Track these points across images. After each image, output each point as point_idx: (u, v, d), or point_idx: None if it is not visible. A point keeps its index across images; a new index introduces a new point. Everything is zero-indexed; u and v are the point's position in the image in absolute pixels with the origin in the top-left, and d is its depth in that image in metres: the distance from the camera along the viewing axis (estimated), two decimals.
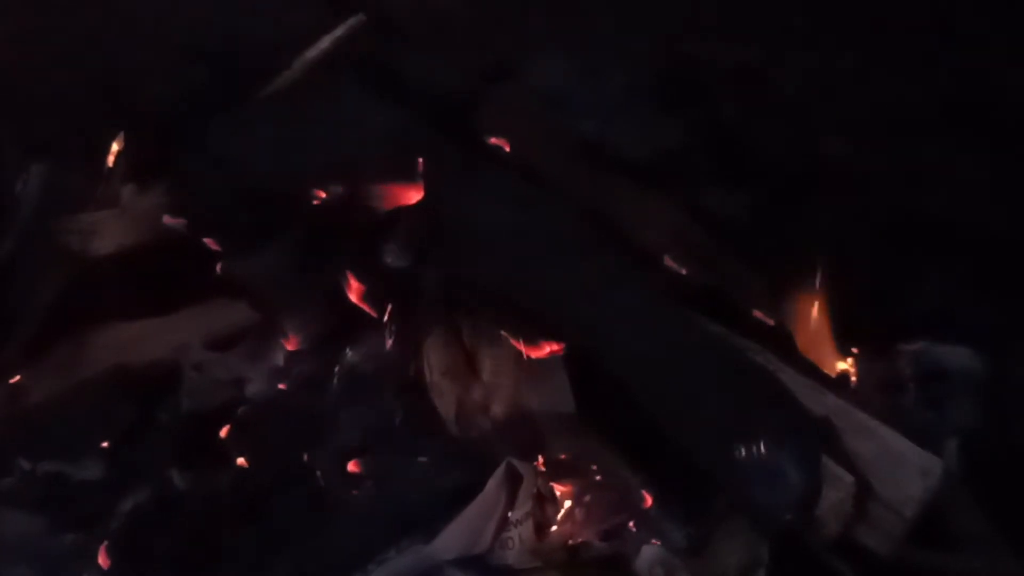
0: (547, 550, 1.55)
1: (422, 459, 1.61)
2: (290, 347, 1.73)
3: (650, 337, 1.67)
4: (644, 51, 2.14)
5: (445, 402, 1.66)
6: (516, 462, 1.55)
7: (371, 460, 1.62)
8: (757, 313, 1.81)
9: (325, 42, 1.97)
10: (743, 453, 1.56)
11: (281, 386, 1.71)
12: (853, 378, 1.83)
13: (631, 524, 1.56)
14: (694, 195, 1.97)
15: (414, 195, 1.77)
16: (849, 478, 1.55)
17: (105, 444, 1.69)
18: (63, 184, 1.95)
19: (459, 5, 2.14)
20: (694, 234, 1.90)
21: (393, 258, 1.70)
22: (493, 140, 1.92)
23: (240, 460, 1.65)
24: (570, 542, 1.56)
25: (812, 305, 1.82)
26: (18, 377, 1.77)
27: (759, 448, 1.56)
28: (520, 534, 1.53)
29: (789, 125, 2.10)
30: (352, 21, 2.00)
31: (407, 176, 1.77)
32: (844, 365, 1.83)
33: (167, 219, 1.84)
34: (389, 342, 1.70)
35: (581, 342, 1.66)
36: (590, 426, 1.64)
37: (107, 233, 1.86)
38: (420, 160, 1.77)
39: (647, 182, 1.94)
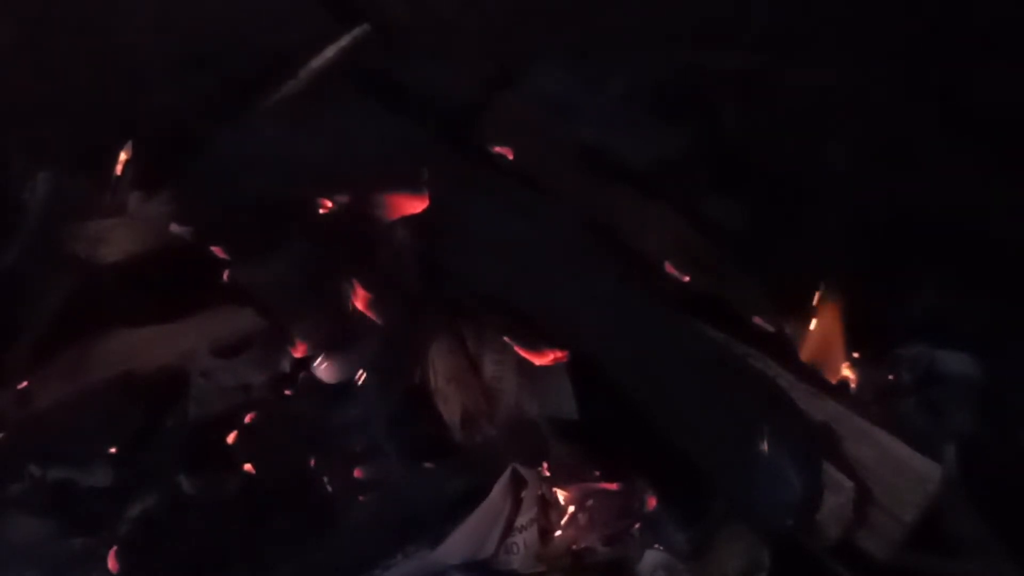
0: (551, 555, 1.56)
1: (427, 465, 1.63)
2: (297, 354, 1.74)
3: (652, 344, 1.69)
4: (646, 59, 2.14)
5: (450, 408, 1.67)
6: (520, 468, 1.56)
7: (377, 466, 1.63)
8: (757, 320, 1.83)
9: (330, 52, 1.98)
10: (744, 458, 1.57)
11: (288, 392, 1.72)
12: (852, 384, 1.84)
13: (634, 529, 1.58)
14: (695, 202, 1.98)
15: (419, 204, 1.78)
16: (849, 483, 1.56)
17: (113, 450, 1.69)
18: (70, 191, 1.96)
19: (462, 15, 2.15)
20: (695, 241, 1.91)
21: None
22: (496, 148, 1.93)
23: (247, 466, 1.66)
24: (574, 547, 1.57)
25: (824, 312, 1.84)
26: (26, 383, 1.78)
27: (760, 453, 1.57)
28: (525, 539, 1.54)
29: (789, 132, 2.10)
30: (356, 31, 2.01)
31: (412, 185, 1.78)
32: (844, 370, 1.84)
33: (174, 227, 1.85)
34: (394, 349, 1.71)
35: (584, 349, 1.67)
36: (593, 432, 1.66)
37: (114, 240, 1.87)
38: (424, 169, 1.78)
39: (648, 189, 1.94)
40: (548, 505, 1.58)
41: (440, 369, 1.70)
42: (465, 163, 1.87)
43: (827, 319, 1.83)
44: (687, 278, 1.85)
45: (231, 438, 1.69)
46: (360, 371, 1.70)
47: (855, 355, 1.84)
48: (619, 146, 2.00)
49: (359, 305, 1.73)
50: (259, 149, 1.88)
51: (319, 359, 1.71)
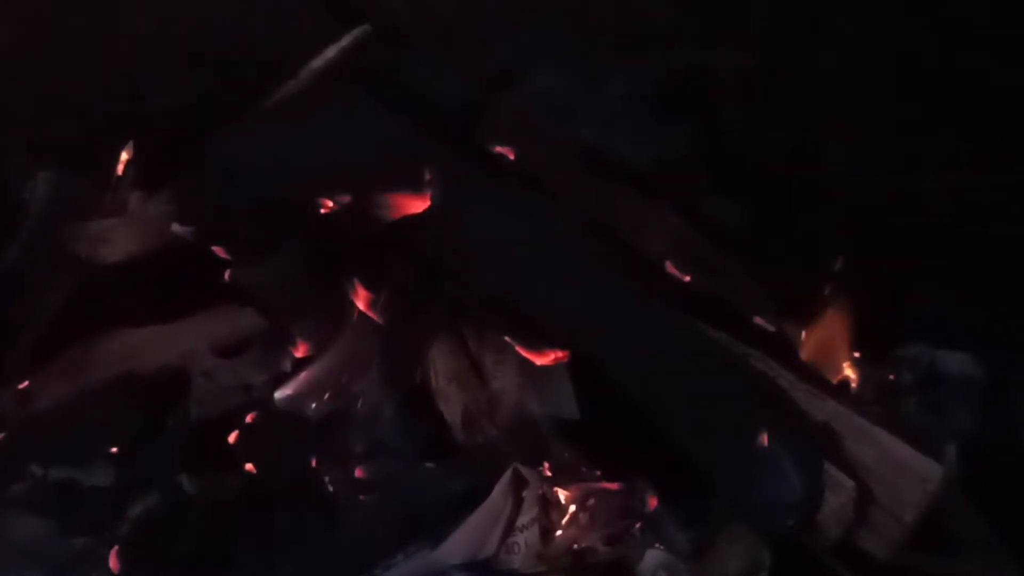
0: (552, 555, 1.56)
1: (428, 465, 1.63)
2: (297, 354, 1.74)
3: (652, 344, 1.69)
4: (645, 60, 2.15)
5: (451, 408, 1.67)
6: (522, 467, 1.56)
7: (378, 466, 1.63)
8: (758, 320, 1.83)
9: (331, 52, 1.98)
10: (744, 458, 1.58)
11: (288, 391, 1.72)
12: (853, 384, 1.84)
13: (635, 528, 1.58)
14: (695, 202, 1.98)
15: (420, 204, 1.78)
16: (850, 483, 1.56)
17: (114, 450, 1.69)
18: (70, 191, 1.96)
19: (463, 15, 2.15)
20: (695, 241, 1.91)
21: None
22: (497, 148, 1.94)
23: (248, 466, 1.66)
24: (575, 546, 1.57)
25: (825, 312, 1.84)
26: (27, 383, 1.78)
27: (760, 453, 1.57)
28: (526, 539, 1.54)
29: (790, 132, 2.11)
30: (357, 31, 2.01)
31: (413, 185, 1.79)
32: (844, 370, 1.85)
33: (175, 227, 1.85)
34: (395, 348, 1.72)
35: (584, 349, 1.68)
36: (594, 432, 1.66)
37: (115, 240, 1.87)
38: (425, 169, 1.78)
39: (649, 190, 1.95)
40: (549, 505, 1.58)
41: (441, 369, 1.70)
42: (465, 163, 1.87)
43: (828, 319, 1.83)
44: (687, 278, 1.85)
45: (232, 438, 1.68)
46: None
47: (856, 355, 1.84)
48: (619, 146, 2.00)
49: (360, 305, 1.73)
50: (259, 149, 1.88)
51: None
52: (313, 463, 1.65)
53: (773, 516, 1.56)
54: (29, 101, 2.09)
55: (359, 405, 1.69)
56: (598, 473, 1.61)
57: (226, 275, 1.79)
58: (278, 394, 1.70)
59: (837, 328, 1.83)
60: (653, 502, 1.59)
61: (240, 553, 1.58)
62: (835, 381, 1.82)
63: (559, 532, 1.58)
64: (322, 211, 1.82)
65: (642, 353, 1.67)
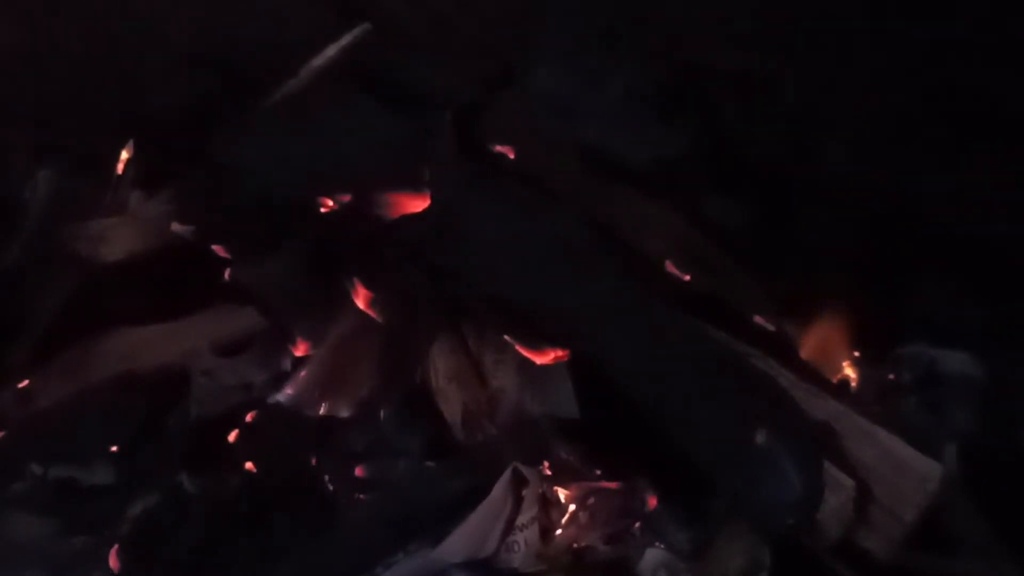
0: (552, 553, 1.56)
1: (428, 464, 1.63)
2: (298, 353, 1.74)
3: (653, 343, 1.69)
4: (646, 59, 2.14)
5: (451, 407, 1.68)
6: (522, 466, 1.56)
7: (378, 465, 1.63)
8: (758, 319, 1.83)
9: (331, 51, 1.99)
10: (745, 457, 1.58)
11: (289, 391, 1.72)
12: (853, 383, 1.84)
13: (635, 527, 1.58)
14: (696, 201, 1.98)
15: (420, 203, 1.78)
16: (850, 482, 1.56)
17: (114, 449, 1.69)
18: (71, 190, 1.96)
19: (463, 15, 2.15)
20: (696, 240, 1.91)
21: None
22: (497, 147, 1.94)
23: (249, 465, 1.66)
24: (575, 545, 1.57)
25: (825, 311, 1.84)
26: (27, 382, 1.78)
27: (760, 452, 1.57)
28: (526, 538, 1.54)
29: (790, 132, 2.11)
30: (358, 30, 2.01)
31: (413, 184, 1.79)
32: (844, 370, 1.85)
33: (175, 226, 1.86)
34: (395, 348, 1.72)
35: (584, 348, 1.68)
36: (594, 431, 1.66)
37: (116, 239, 1.88)
38: (425, 169, 1.79)
39: (649, 189, 1.95)
40: (549, 504, 1.58)
41: (441, 368, 1.70)
42: (465, 163, 1.87)
43: (828, 319, 1.83)
44: (687, 278, 1.85)
45: (232, 437, 1.69)
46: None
47: (856, 354, 1.84)
48: (619, 146, 2.00)
49: (360, 305, 1.73)
50: (260, 148, 1.89)
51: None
52: (313, 463, 1.65)
53: (773, 515, 1.56)
54: (29, 101, 2.09)
55: (359, 404, 1.70)
56: (598, 472, 1.61)
57: (226, 275, 1.80)
58: (278, 394, 1.70)
59: (837, 328, 1.83)
60: (653, 502, 1.59)
61: (240, 553, 1.58)
62: (835, 381, 1.82)
63: (559, 531, 1.58)
64: (322, 211, 1.83)
65: (642, 353, 1.67)
